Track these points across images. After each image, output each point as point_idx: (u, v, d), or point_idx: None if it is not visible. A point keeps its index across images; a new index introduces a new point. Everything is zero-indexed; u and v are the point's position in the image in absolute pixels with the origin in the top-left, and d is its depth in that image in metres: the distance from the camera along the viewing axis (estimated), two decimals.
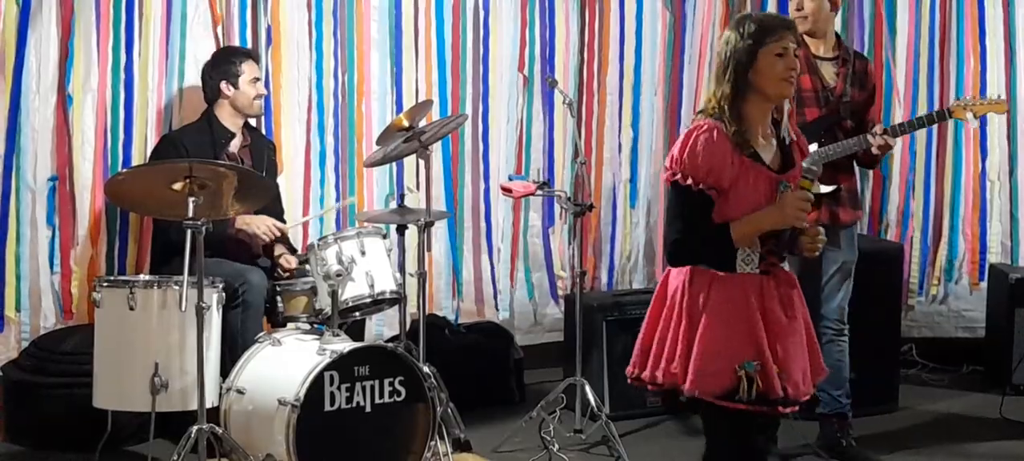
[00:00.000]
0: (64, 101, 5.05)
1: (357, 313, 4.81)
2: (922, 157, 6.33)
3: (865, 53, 6.16)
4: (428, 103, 5.24)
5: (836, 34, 4.95)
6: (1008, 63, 6.25)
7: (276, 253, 5.00)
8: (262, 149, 5.16)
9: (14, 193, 5.02)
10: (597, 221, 6.24)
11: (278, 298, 4.74)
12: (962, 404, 5.67)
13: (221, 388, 4.36)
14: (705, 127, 3.30)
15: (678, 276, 3.39)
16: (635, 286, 6.23)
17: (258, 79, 5.06)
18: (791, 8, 4.86)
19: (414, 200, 5.51)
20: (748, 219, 3.29)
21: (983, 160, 6.30)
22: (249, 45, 5.34)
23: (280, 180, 5.38)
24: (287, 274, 4.94)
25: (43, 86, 5.02)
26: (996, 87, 6.21)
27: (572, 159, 6.10)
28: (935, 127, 6.19)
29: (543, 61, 6.06)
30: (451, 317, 5.92)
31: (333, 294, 4.48)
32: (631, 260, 6.35)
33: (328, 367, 4.18)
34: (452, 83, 5.88)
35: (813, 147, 4.75)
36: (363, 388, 4.27)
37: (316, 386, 4.16)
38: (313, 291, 4.69)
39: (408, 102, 5.67)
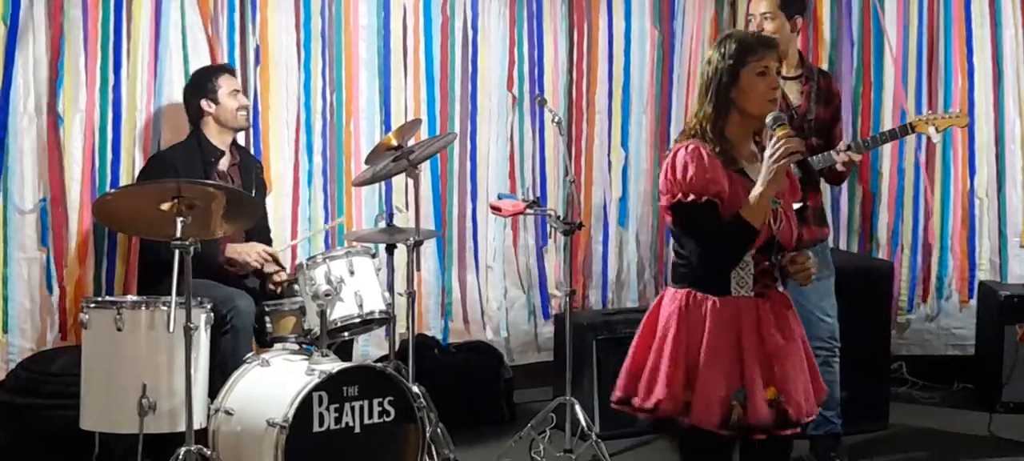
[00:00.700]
0: (54, 122, 5.03)
1: (346, 333, 4.80)
2: (911, 175, 6.34)
3: (852, 75, 6.20)
4: (417, 122, 5.24)
5: (798, 52, 4.98)
6: (996, 81, 6.27)
7: (267, 270, 4.99)
8: (251, 168, 5.16)
9: (1, 214, 5.00)
10: (587, 240, 6.24)
11: (266, 319, 4.72)
12: (952, 422, 5.67)
13: (209, 409, 4.33)
14: (690, 146, 3.31)
15: (672, 302, 3.37)
16: (626, 305, 6.22)
17: (238, 91, 5.06)
18: (767, 26, 4.86)
19: (403, 219, 5.51)
20: (752, 195, 3.26)
21: (971, 178, 6.32)
22: (237, 65, 5.33)
23: (268, 199, 5.37)
24: (278, 290, 4.92)
25: (30, 107, 5.00)
26: (984, 105, 6.24)
27: (563, 177, 6.11)
28: (924, 146, 6.21)
29: (532, 80, 6.07)
30: (440, 337, 5.90)
31: (322, 314, 4.47)
32: (621, 279, 6.35)
33: (317, 387, 4.17)
34: (441, 102, 5.88)
35: None
36: (352, 408, 4.26)
37: (305, 407, 4.14)
38: (302, 311, 4.67)
39: (397, 121, 5.67)
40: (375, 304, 4.72)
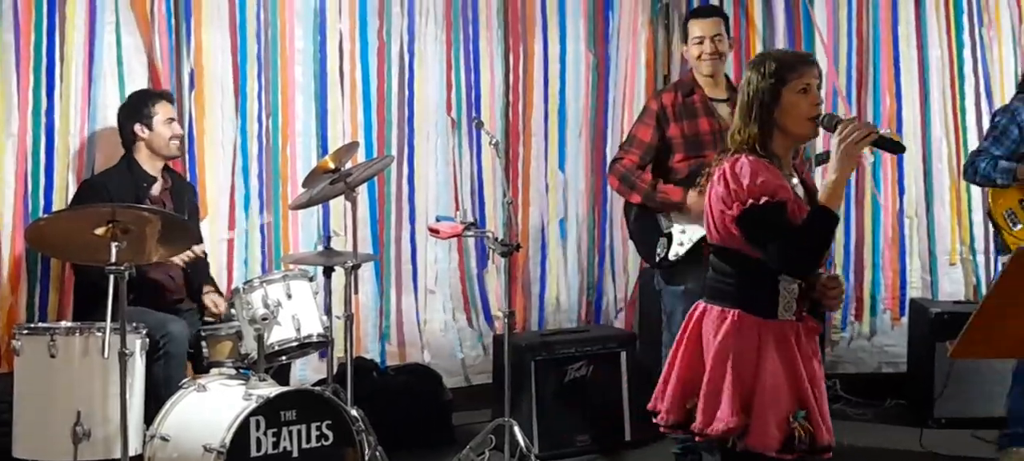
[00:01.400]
0: None
1: (283, 357, 4.78)
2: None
3: None
4: (354, 145, 5.24)
5: (725, 75, 5.06)
6: (922, 102, 6.41)
7: (204, 292, 4.95)
8: (183, 192, 5.11)
9: None
10: (525, 261, 6.26)
11: (203, 343, 4.68)
12: (885, 438, 5.74)
13: (145, 435, 4.29)
14: (749, 157, 3.27)
15: (721, 322, 3.31)
16: (564, 326, 6.25)
17: (173, 119, 5.02)
18: (707, 48, 4.93)
19: (340, 243, 5.49)
20: (825, 185, 3.24)
21: (901, 197, 6.44)
22: (174, 89, 5.30)
23: (204, 224, 5.34)
24: (214, 317, 4.89)
25: None
26: (911, 125, 6.37)
27: (501, 199, 6.12)
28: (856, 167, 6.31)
29: (469, 103, 6.10)
30: (378, 359, 5.89)
31: (259, 338, 4.44)
32: (560, 300, 6.37)
33: (254, 412, 4.14)
34: (378, 125, 5.89)
35: None
36: (290, 433, 4.24)
37: (242, 432, 4.11)
38: (238, 335, 4.64)
39: (334, 144, 5.66)
40: (313, 327, 4.70)
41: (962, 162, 6.19)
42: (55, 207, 5.07)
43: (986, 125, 5.78)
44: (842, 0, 6.45)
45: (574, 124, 6.34)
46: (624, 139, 5.19)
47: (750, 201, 3.21)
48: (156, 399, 4.48)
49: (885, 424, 6.00)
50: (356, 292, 5.26)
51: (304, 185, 4.96)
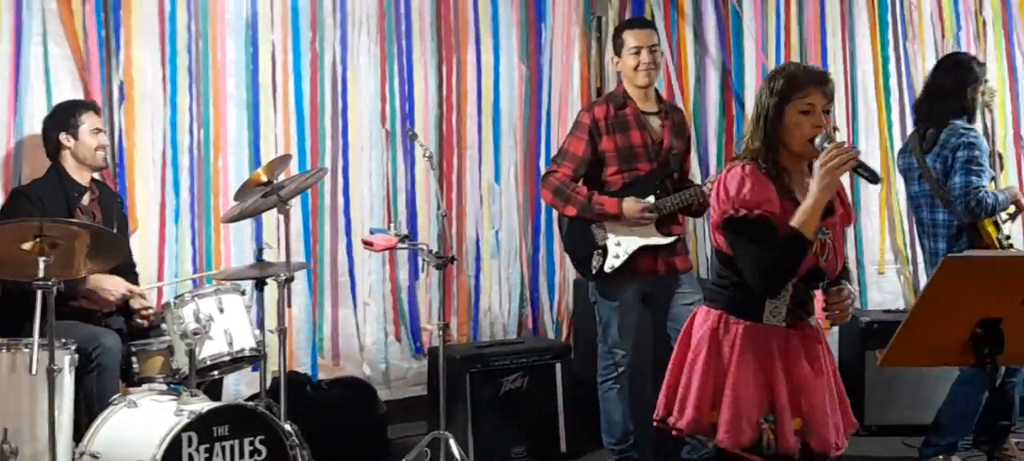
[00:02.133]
0: None
1: (216, 372, 4.73)
2: None
3: (718, 107, 6.39)
4: (287, 158, 5.20)
5: (655, 90, 5.11)
6: (850, 115, 6.51)
7: (134, 305, 4.89)
8: (111, 202, 5.04)
9: None
10: (460, 273, 6.26)
11: (133, 358, 4.61)
12: None
13: (74, 453, 4.22)
14: (747, 166, 3.29)
15: (705, 322, 3.37)
16: (499, 338, 6.25)
17: (100, 130, 4.95)
18: (644, 58, 4.97)
19: (273, 255, 5.45)
20: (801, 209, 3.22)
21: None
22: (102, 101, 5.23)
23: (134, 237, 5.27)
24: (146, 323, 4.82)
25: None
26: (839, 136, 6.44)
27: (436, 212, 6.12)
28: None
29: (403, 115, 6.09)
30: (311, 373, 5.85)
31: (190, 353, 4.40)
32: (494, 312, 6.38)
33: (186, 428, 4.10)
34: (311, 137, 5.86)
35: (650, 199, 4.89)
36: (223, 448, 4.20)
37: (174, 448, 4.06)
38: (170, 350, 4.58)
39: (266, 157, 5.62)
40: (245, 341, 4.66)
41: (890, 172, 6.31)
42: None
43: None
44: (771, 11, 6.55)
45: (508, 136, 6.36)
46: (557, 153, 5.21)
47: (730, 211, 3.25)
48: (89, 413, 4.43)
49: None
50: (289, 305, 5.23)
51: (236, 198, 4.92)
